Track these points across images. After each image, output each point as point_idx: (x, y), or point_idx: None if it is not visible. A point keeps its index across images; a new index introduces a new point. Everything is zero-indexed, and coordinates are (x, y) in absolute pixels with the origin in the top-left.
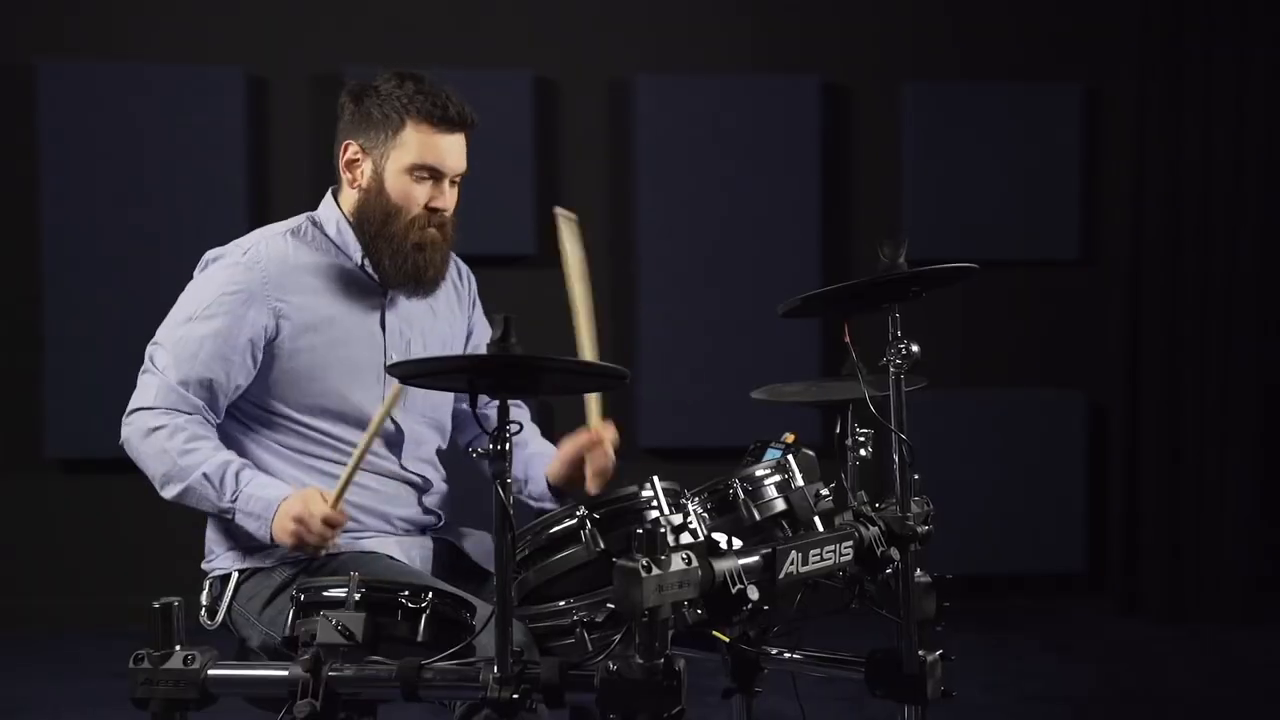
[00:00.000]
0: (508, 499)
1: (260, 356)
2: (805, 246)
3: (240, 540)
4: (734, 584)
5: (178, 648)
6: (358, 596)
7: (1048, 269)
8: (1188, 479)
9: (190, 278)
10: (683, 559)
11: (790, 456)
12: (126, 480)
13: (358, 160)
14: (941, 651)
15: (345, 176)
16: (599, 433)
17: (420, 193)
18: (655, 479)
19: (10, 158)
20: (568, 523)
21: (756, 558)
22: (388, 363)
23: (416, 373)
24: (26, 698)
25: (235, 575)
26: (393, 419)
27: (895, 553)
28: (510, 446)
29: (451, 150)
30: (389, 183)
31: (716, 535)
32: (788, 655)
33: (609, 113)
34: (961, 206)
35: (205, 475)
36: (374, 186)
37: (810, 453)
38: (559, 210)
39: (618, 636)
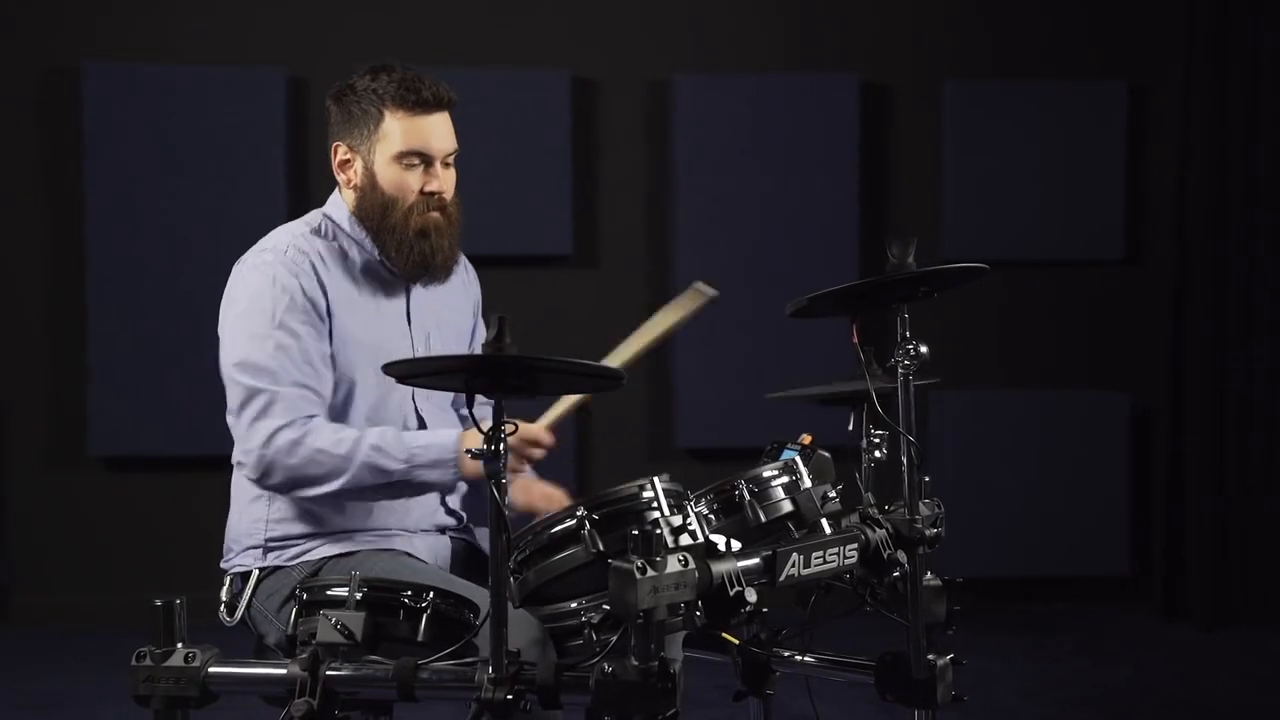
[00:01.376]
0: (502, 499)
1: (328, 324)
2: (843, 246)
3: (260, 537)
4: (732, 586)
5: (179, 645)
6: (359, 596)
7: (1092, 269)
8: (1233, 482)
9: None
10: (679, 560)
11: (798, 457)
12: (166, 478)
13: (349, 160)
14: (952, 655)
15: (340, 178)
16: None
17: (413, 179)
18: (656, 479)
19: (56, 157)
20: (568, 523)
21: (756, 560)
22: (414, 355)
23: (412, 372)
24: (64, 692)
25: (255, 573)
26: (420, 417)
27: (902, 556)
28: (505, 448)
29: (435, 131)
30: (380, 175)
31: (715, 537)
32: (798, 658)
33: (647, 112)
34: (1003, 206)
35: (374, 449)
36: (367, 182)
37: (826, 454)
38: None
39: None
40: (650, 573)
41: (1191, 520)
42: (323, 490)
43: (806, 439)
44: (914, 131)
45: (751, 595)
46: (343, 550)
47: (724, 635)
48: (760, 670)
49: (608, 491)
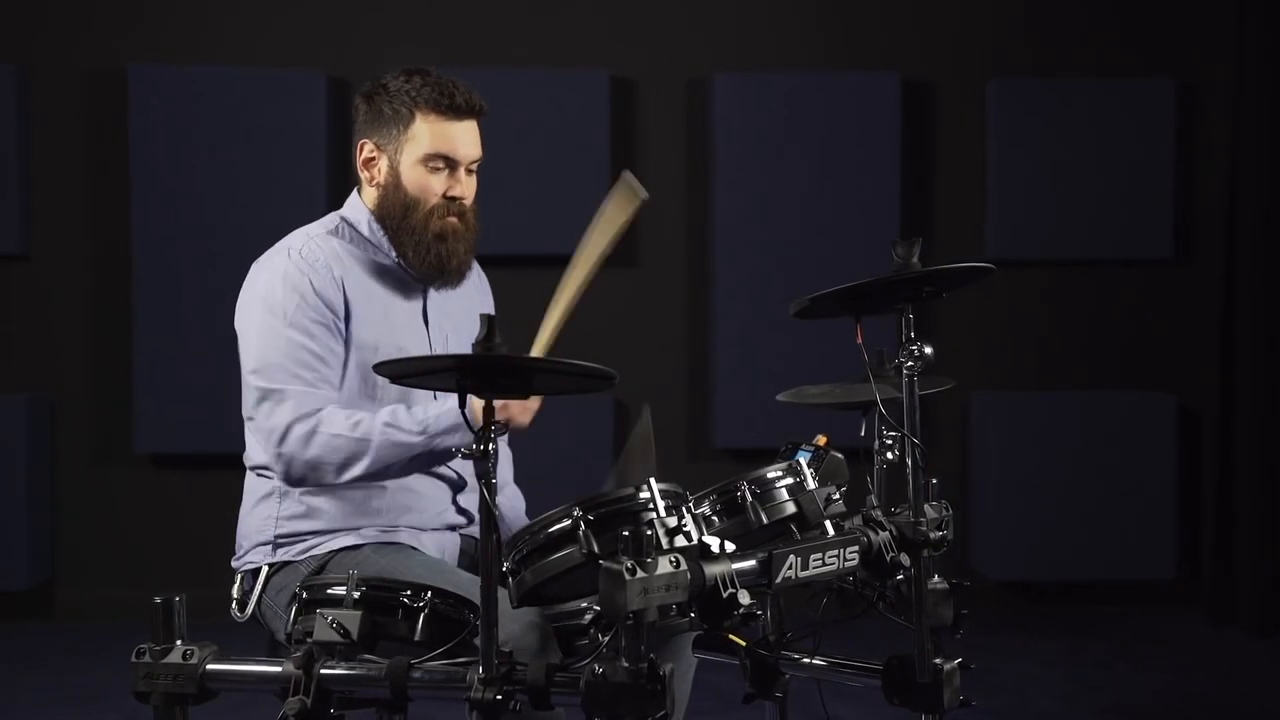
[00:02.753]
0: (492, 499)
1: (343, 327)
2: (884, 247)
3: (270, 534)
4: (726, 588)
5: (178, 642)
6: (356, 595)
7: (1139, 268)
8: None
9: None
10: (671, 562)
11: (801, 459)
12: (211, 475)
13: (374, 158)
14: (960, 660)
15: (363, 175)
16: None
17: (437, 182)
18: (652, 480)
19: (102, 158)
20: (564, 523)
21: (752, 562)
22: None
23: (403, 372)
24: (105, 686)
25: (265, 569)
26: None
27: (905, 558)
28: (496, 448)
29: (463, 137)
30: (405, 176)
31: (709, 539)
32: (806, 660)
33: (686, 111)
34: (1048, 206)
35: (386, 425)
36: (391, 182)
37: (839, 455)
38: (628, 176)
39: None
40: (640, 574)
41: (1241, 523)
42: (350, 475)
43: (821, 440)
44: (957, 130)
45: (745, 597)
46: (349, 545)
47: (731, 638)
48: (769, 673)
49: (605, 492)
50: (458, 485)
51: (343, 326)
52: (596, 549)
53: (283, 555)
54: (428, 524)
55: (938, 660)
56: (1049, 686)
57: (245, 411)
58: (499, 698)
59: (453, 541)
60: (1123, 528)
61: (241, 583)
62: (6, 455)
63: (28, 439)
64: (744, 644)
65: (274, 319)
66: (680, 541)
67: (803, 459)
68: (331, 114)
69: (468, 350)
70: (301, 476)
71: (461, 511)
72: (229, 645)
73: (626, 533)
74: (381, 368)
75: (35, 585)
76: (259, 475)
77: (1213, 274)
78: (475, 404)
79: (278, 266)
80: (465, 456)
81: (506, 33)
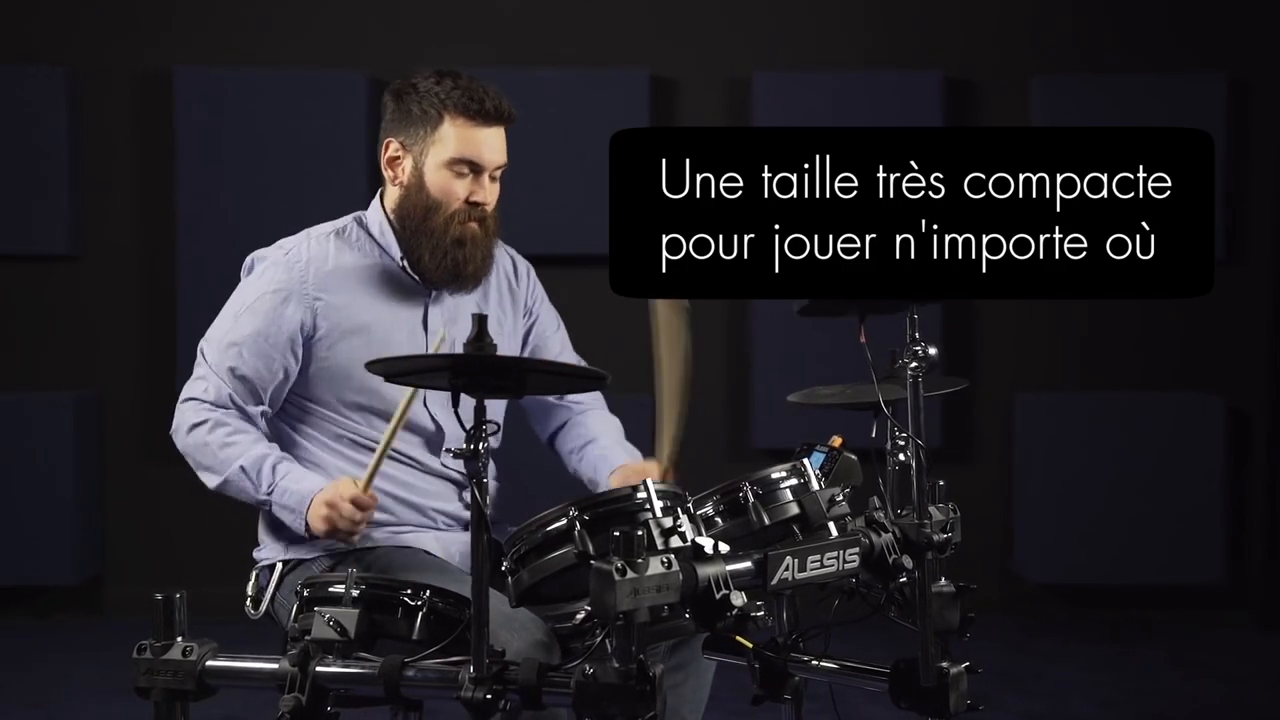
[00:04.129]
0: (483, 500)
1: (301, 353)
2: None
3: (285, 532)
4: (718, 589)
5: (179, 639)
6: (355, 593)
7: None
8: None
9: None
10: (662, 563)
11: (811, 461)
12: None
13: (398, 157)
14: (968, 664)
15: (387, 174)
16: (652, 468)
17: (460, 187)
18: (649, 481)
19: (149, 159)
20: (560, 522)
21: (748, 563)
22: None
23: (395, 371)
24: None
25: (279, 566)
26: (431, 416)
27: (908, 561)
28: (486, 447)
29: (490, 143)
30: (429, 177)
31: (702, 540)
32: (814, 663)
33: (726, 111)
34: None
35: (242, 468)
36: (414, 182)
37: (852, 457)
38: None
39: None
40: (630, 574)
41: None
42: (205, 480)
43: (836, 441)
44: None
45: (738, 598)
46: (362, 544)
47: (739, 639)
48: (778, 674)
49: (602, 492)
50: (462, 484)
51: (299, 351)
52: (591, 549)
53: (296, 553)
54: (438, 521)
55: (944, 664)
56: (1090, 692)
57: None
58: (489, 697)
59: (463, 541)
60: (1169, 531)
61: (257, 579)
62: (56, 453)
63: (76, 437)
64: (750, 646)
65: (238, 304)
66: (675, 542)
67: (813, 460)
68: (373, 115)
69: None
70: (180, 450)
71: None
72: (257, 643)
73: (617, 533)
74: (374, 366)
75: (84, 580)
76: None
77: (1263, 273)
78: (316, 517)
79: (266, 262)
80: (456, 456)
81: (547, 32)
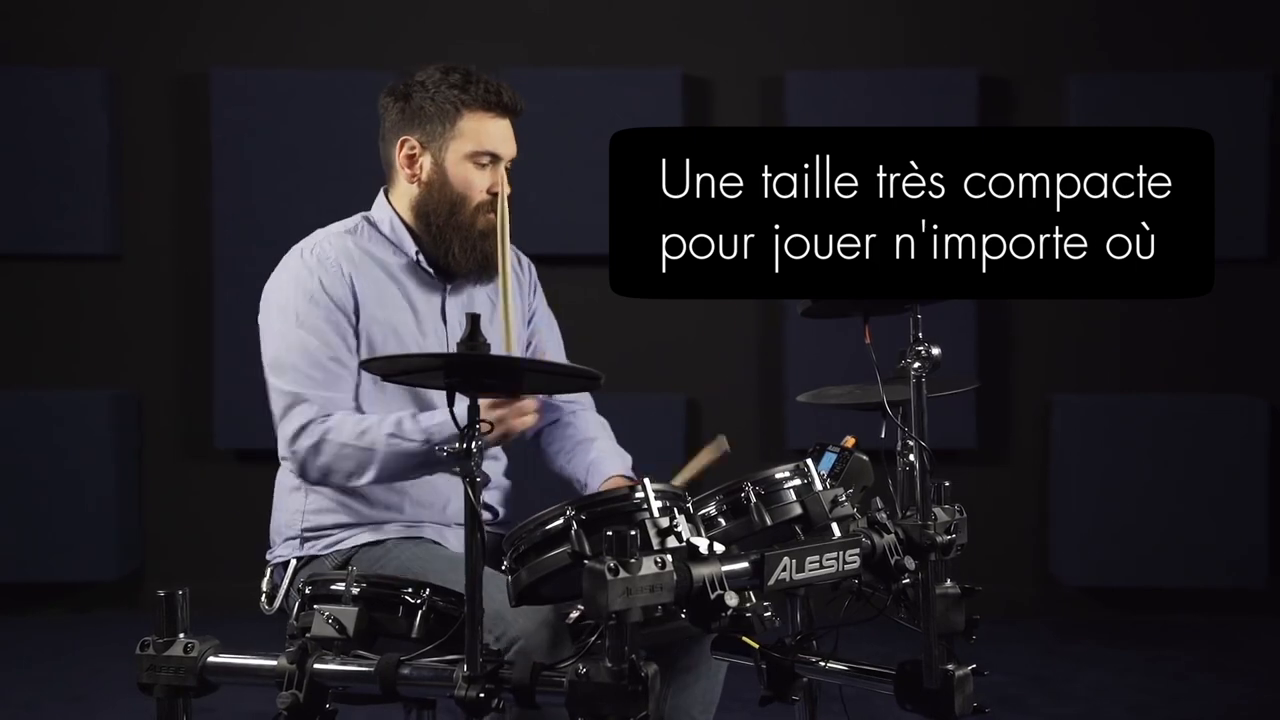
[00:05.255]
0: (476, 498)
1: (355, 324)
2: None
3: (297, 529)
4: (713, 589)
5: (181, 635)
6: (355, 591)
7: (1230, 267)
8: None
9: None
10: (656, 562)
11: (810, 460)
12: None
13: (416, 155)
14: (974, 666)
15: (404, 173)
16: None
17: (482, 179)
18: (647, 481)
19: (187, 160)
20: (558, 522)
21: (744, 564)
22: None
23: (390, 370)
24: None
25: (293, 563)
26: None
27: (910, 562)
28: (478, 446)
29: (506, 135)
30: (452, 172)
31: (697, 540)
32: (820, 664)
33: (759, 110)
34: None
35: (391, 436)
36: (436, 179)
37: (864, 458)
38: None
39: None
40: (623, 574)
41: None
42: (359, 482)
43: (850, 442)
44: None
45: (732, 599)
46: (374, 539)
47: (745, 640)
48: (785, 675)
49: (599, 492)
50: (483, 484)
51: (355, 321)
52: (587, 549)
53: (309, 549)
54: (451, 520)
55: (949, 666)
56: (1121, 696)
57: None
58: (482, 695)
59: None
60: (1210, 534)
61: (271, 576)
62: (96, 450)
63: (116, 434)
64: (756, 646)
65: (285, 321)
66: (672, 542)
67: (825, 461)
68: None
69: (497, 351)
70: (316, 480)
71: (486, 507)
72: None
73: (610, 533)
74: (370, 364)
75: (124, 576)
76: (289, 471)
77: None
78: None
79: (290, 267)
80: (450, 455)
81: (579, 32)
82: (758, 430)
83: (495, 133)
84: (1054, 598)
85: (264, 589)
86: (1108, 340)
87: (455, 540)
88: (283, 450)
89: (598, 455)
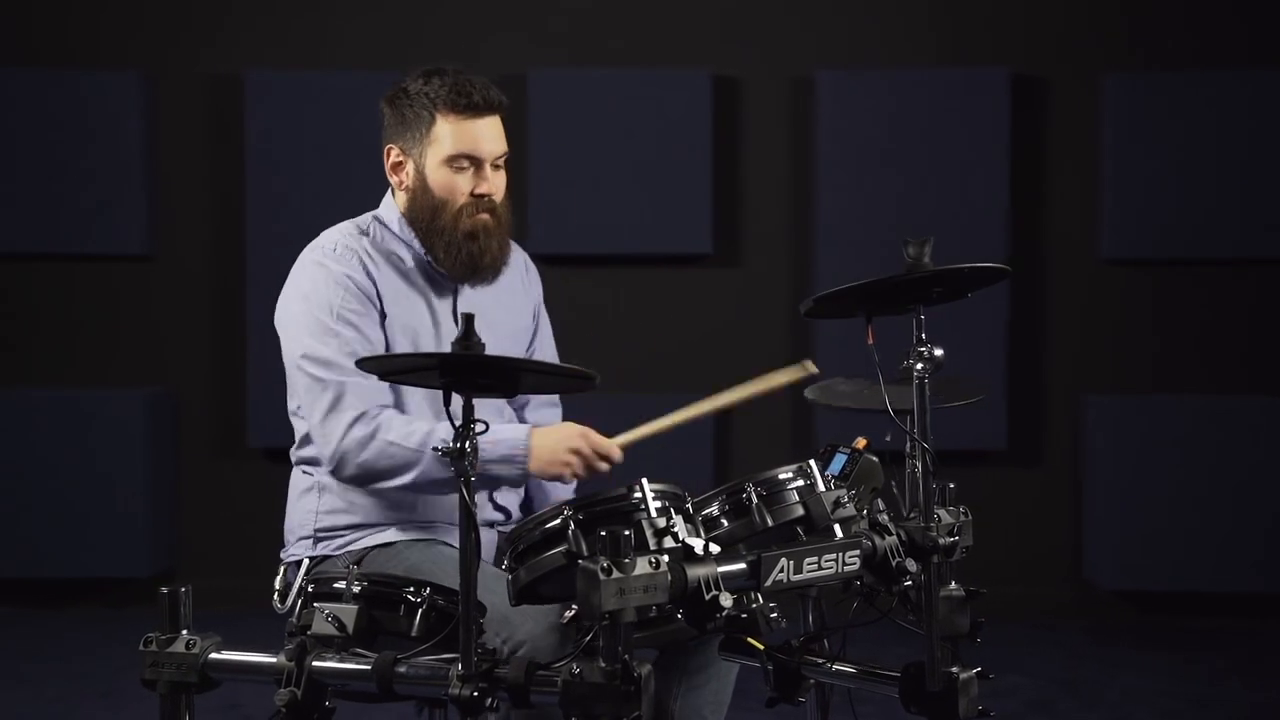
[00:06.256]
0: (470, 499)
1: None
2: (993, 247)
3: (310, 529)
4: (708, 590)
5: (184, 632)
6: (356, 589)
7: (1264, 267)
8: None
9: None
10: (650, 563)
11: (813, 462)
12: None
13: (401, 162)
14: (980, 669)
15: (392, 180)
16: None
17: (463, 181)
18: (644, 481)
19: (221, 161)
20: (555, 522)
21: (741, 565)
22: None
23: (386, 369)
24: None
25: (305, 562)
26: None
27: (912, 564)
28: (474, 446)
29: (485, 135)
30: (431, 178)
31: (692, 540)
32: (825, 665)
33: (789, 110)
34: (1167, 203)
35: (443, 441)
36: (418, 185)
37: (874, 459)
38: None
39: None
40: (616, 574)
41: None
42: (395, 483)
43: (861, 443)
44: (1070, 127)
45: (726, 600)
46: (386, 540)
47: (750, 641)
48: (791, 677)
49: (598, 492)
50: (514, 483)
51: (382, 314)
52: (584, 549)
53: (322, 549)
54: None
55: (954, 669)
56: (1152, 701)
57: (292, 406)
58: (475, 695)
59: (489, 538)
60: (1245, 538)
61: (284, 575)
62: (130, 448)
63: (150, 433)
64: (762, 648)
65: (323, 313)
66: (669, 543)
67: (835, 462)
68: None
69: (504, 350)
70: (352, 476)
71: (499, 508)
72: None
73: (603, 532)
74: (366, 364)
75: (157, 573)
76: (303, 471)
77: None
78: (556, 452)
79: (319, 263)
80: (445, 454)
81: (608, 33)
82: (789, 428)
83: (470, 134)
84: (1087, 601)
85: (277, 587)
86: (1140, 341)
87: None
88: (326, 444)
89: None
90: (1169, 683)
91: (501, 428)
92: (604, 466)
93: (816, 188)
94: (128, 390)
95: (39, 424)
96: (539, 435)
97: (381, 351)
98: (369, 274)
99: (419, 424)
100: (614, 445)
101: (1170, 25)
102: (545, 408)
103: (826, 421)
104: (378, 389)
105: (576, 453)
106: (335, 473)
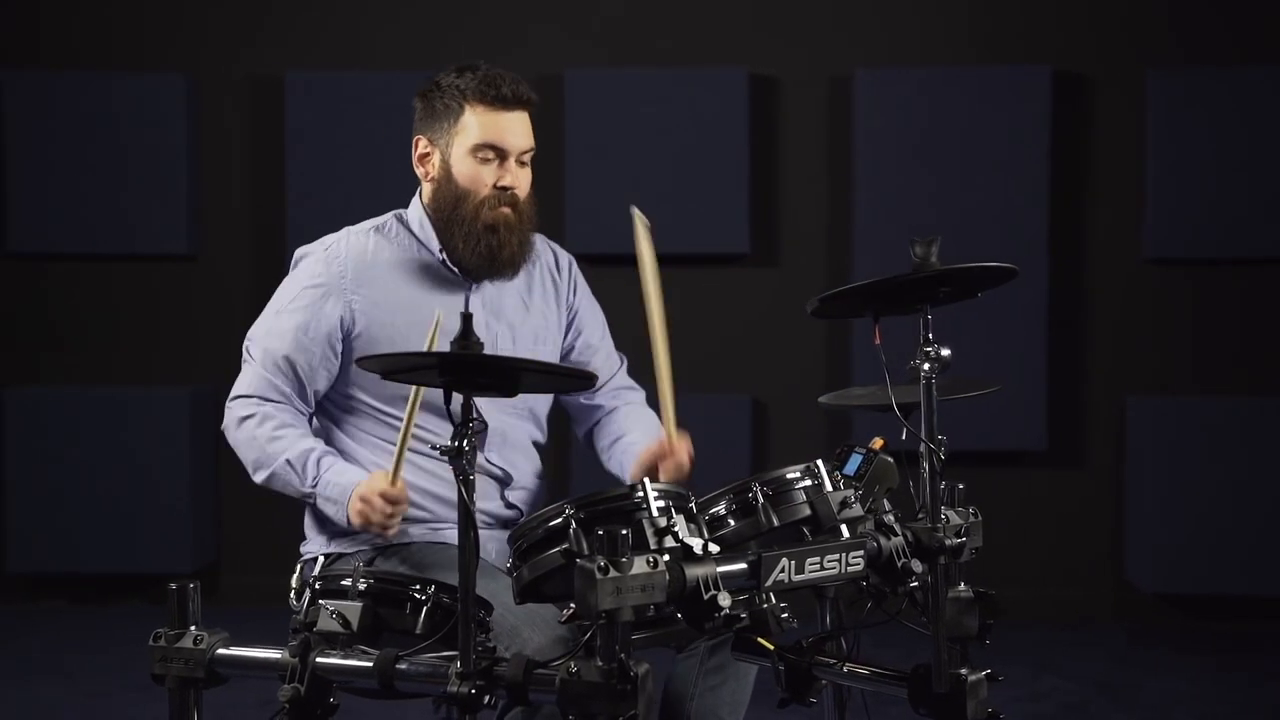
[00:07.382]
0: (470, 497)
1: (340, 348)
2: (1033, 247)
3: (329, 526)
4: (707, 590)
5: (192, 628)
6: (361, 586)
7: None
8: None
9: None
10: (648, 562)
11: (820, 462)
12: None
13: (428, 154)
14: (989, 671)
15: (419, 171)
16: (672, 444)
17: (487, 173)
18: (646, 481)
19: (262, 162)
20: (557, 520)
21: (741, 564)
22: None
23: (385, 369)
24: None
25: (322, 559)
26: (477, 410)
27: (918, 565)
28: (471, 445)
29: (512, 128)
30: (455, 167)
31: (690, 540)
32: (836, 666)
33: (827, 109)
34: (1210, 202)
35: (289, 461)
36: (443, 175)
37: (889, 459)
38: (636, 212)
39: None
40: (613, 573)
41: None
42: (254, 475)
43: (878, 443)
44: (1112, 125)
45: (725, 600)
46: (400, 541)
47: (760, 641)
48: (803, 678)
49: (600, 491)
50: (504, 480)
51: (339, 347)
52: (584, 547)
53: (338, 547)
54: (477, 518)
55: (962, 670)
56: (1192, 704)
57: None
58: (473, 692)
59: (501, 537)
60: None
61: (301, 572)
62: (174, 446)
63: (193, 431)
64: (772, 648)
65: (280, 300)
66: (669, 542)
67: (850, 463)
68: None
69: (529, 351)
70: (230, 443)
71: (511, 507)
72: None
73: (600, 532)
74: (365, 362)
75: (199, 569)
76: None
77: None
78: (353, 511)
79: (307, 259)
80: (443, 453)
81: (646, 32)
82: (824, 428)
83: (497, 125)
84: (1130, 604)
85: (293, 585)
86: (1182, 341)
87: (480, 542)
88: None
89: (625, 447)
90: (1208, 686)
91: (348, 469)
92: (389, 509)
93: (854, 187)
94: (171, 388)
95: (84, 421)
96: (371, 479)
97: (319, 344)
98: (355, 276)
99: (288, 432)
100: (386, 484)
101: (1212, 20)
102: (626, 390)
103: (862, 424)
104: (278, 389)
105: (364, 500)
106: (225, 432)
